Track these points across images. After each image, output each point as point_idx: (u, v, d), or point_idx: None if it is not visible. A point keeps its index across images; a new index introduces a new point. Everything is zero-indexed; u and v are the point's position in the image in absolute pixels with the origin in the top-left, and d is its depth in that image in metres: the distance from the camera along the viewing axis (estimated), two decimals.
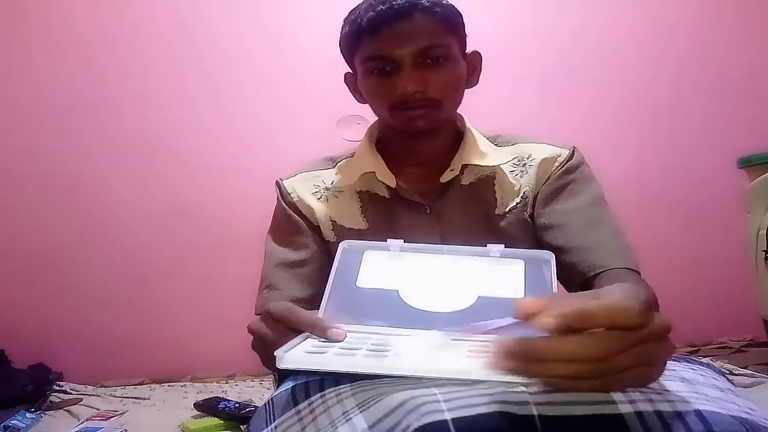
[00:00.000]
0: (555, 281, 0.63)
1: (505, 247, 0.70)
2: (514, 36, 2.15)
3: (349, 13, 0.87)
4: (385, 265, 0.69)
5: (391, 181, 0.91)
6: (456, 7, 0.87)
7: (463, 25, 0.88)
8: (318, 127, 2.10)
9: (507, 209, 0.91)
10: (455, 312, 0.62)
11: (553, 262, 0.65)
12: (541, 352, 0.40)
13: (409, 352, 0.55)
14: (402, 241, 0.71)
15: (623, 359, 0.40)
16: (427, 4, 0.81)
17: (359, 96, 0.94)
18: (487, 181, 0.92)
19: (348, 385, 0.52)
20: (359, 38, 0.84)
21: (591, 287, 0.78)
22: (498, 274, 0.65)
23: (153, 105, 2.11)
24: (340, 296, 0.66)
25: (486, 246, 0.69)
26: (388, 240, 0.72)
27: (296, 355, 0.53)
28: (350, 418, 0.47)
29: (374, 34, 0.81)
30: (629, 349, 0.40)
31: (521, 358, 0.41)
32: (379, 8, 0.80)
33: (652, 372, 0.44)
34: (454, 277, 0.66)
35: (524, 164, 0.93)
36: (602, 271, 0.80)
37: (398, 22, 0.80)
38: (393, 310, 0.63)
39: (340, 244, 0.72)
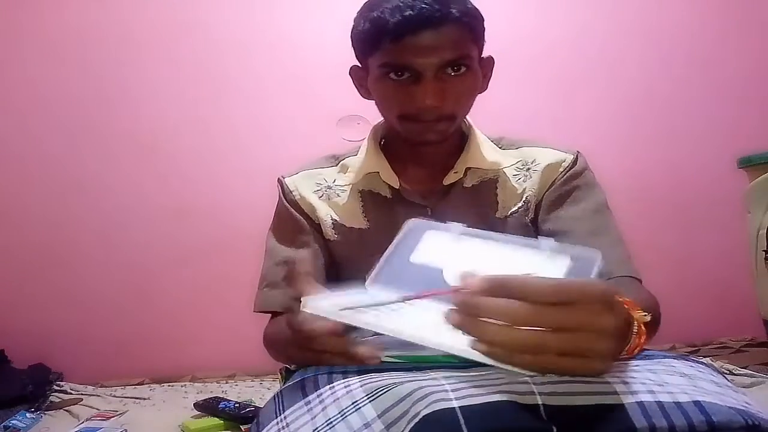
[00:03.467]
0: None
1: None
2: (518, 38, 2.15)
3: (369, 7, 0.82)
4: (441, 245, 0.72)
5: (395, 182, 0.91)
6: (479, 12, 0.84)
7: (485, 30, 0.86)
8: (317, 128, 2.10)
9: (508, 213, 0.90)
10: None
11: (600, 261, 0.63)
12: (472, 306, 0.45)
13: (405, 317, 0.58)
14: (463, 225, 0.73)
15: (559, 340, 0.43)
16: (457, 15, 0.78)
17: (364, 91, 0.92)
18: (490, 184, 0.91)
19: (357, 377, 0.53)
20: (379, 40, 0.80)
21: None
22: (540, 268, 0.65)
23: (150, 105, 2.11)
24: (392, 266, 0.70)
25: (537, 239, 0.70)
26: (449, 222, 0.74)
27: (317, 302, 0.58)
28: (359, 408, 0.48)
29: (398, 40, 0.78)
30: (567, 330, 0.43)
31: (461, 310, 0.45)
32: (407, 13, 0.76)
33: (592, 365, 0.45)
34: (497, 265, 0.67)
35: (528, 168, 0.92)
36: (606, 279, 0.79)
37: (425, 32, 0.77)
38: (431, 286, 0.65)
39: (406, 221, 0.74)
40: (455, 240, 0.72)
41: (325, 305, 0.58)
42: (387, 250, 0.71)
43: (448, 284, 0.66)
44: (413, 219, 0.74)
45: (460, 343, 0.50)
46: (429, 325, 0.56)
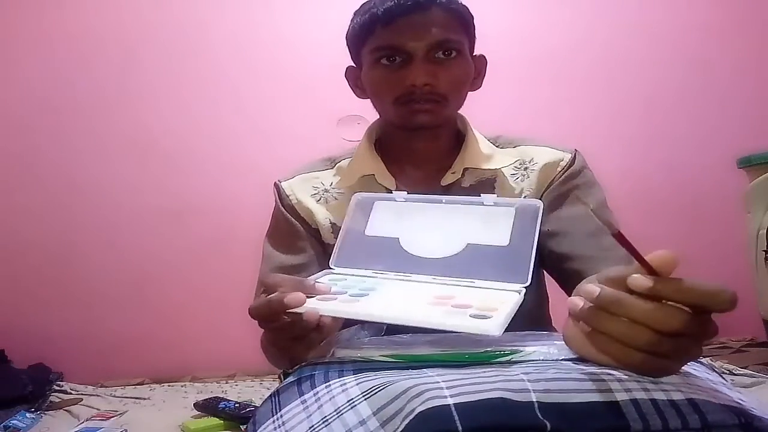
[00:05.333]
0: (539, 230, 0.66)
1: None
2: (520, 37, 2.16)
3: (362, 5, 0.86)
4: (390, 215, 0.75)
5: (391, 183, 0.90)
6: (468, 9, 0.87)
7: (474, 26, 0.88)
8: (315, 128, 2.10)
9: None
10: (445, 258, 0.68)
11: (541, 210, 0.68)
12: (617, 306, 0.44)
13: (383, 299, 0.61)
14: (406, 192, 0.77)
15: (672, 343, 0.43)
16: (444, 0, 0.82)
17: (359, 91, 0.93)
18: (488, 183, 0.91)
19: (353, 376, 0.53)
20: (372, 27, 0.83)
21: None
22: (488, 223, 0.69)
23: (148, 107, 2.11)
24: (350, 242, 0.73)
25: (480, 196, 0.74)
26: (393, 192, 0.76)
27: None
28: (355, 405, 0.48)
29: (389, 23, 0.81)
30: (687, 336, 0.43)
31: (596, 304, 0.45)
32: None
33: (678, 366, 0.47)
34: (448, 225, 0.71)
35: (526, 168, 0.92)
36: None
37: (415, 14, 0.80)
38: (392, 256, 0.70)
39: (353, 195, 0.77)
40: (402, 207, 0.75)
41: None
42: (341, 229, 0.74)
43: (406, 251, 0.70)
44: (358, 193, 0.77)
45: (424, 317, 0.53)
46: (396, 305, 0.59)
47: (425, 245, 0.69)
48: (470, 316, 0.53)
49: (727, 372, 1.67)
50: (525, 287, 0.61)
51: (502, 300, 0.57)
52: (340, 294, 0.62)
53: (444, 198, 0.74)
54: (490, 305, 0.55)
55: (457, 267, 0.65)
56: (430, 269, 0.67)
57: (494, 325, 0.50)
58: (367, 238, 0.73)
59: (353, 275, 0.69)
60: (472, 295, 0.60)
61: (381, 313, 0.56)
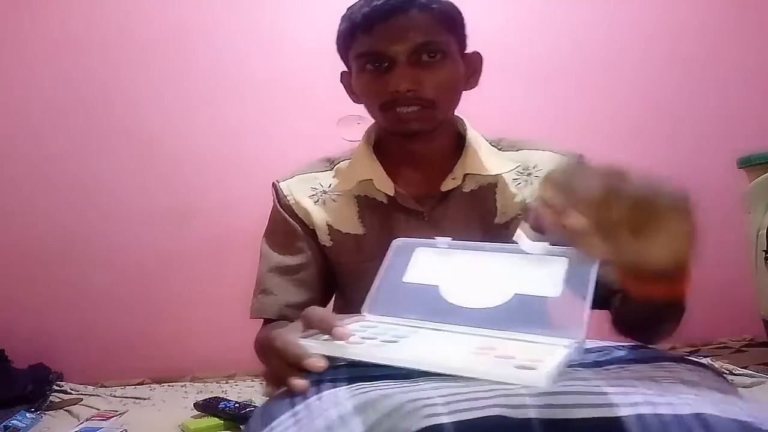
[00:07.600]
0: (594, 280, 0.61)
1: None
2: (518, 38, 2.15)
3: (347, 10, 0.86)
4: (431, 262, 0.70)
5: (390, 189, 0.89)
6: (455, 5, 0.85)
7: (463, 24, 0.86)
8: (315, 129, 2.10)
9: (508, 219, 0.89)
10: (489, 308, 0.63)
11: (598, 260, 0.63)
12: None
13: (418, 345, 0.57)
14: (450, 239, 0.72)
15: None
16: (424, 1, 0.80)
17: (354, 96, 0.92)
18: (489, 189, 0.90)
19: (346, 387, 0.52)
20: (353, 34, 0.82)
21: None
22: (538, 272, 0.64)
23: (149, 106, 2.11)
24: (386, 289, 0.69)
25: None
26: (436, 238, 0.72)
27: (312, 340, 0.57)
28: (346, 422, 0.46)
29: (368, 29, 0.80)
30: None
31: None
32: (374, 3, 0.79)
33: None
34: (494, 275, 0.66)
35: (528, 173, 0.90)
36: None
37: (393, 18, 0.79)
38: (431, 305, 0.65)
39: (393, 242, 0.73)
40: (444, 254, 0.71)
41: (317, 342, 0.58)
42: (378, 275, 0.70)
43: (446, 300, 0.65)
44: (399, 239, 0.73)
45: (465, 364, 0.50)
46: (433, 352, 0.56)
47: (467, 294, 0.65)
48: (515, 367, 0.50)
49: (727, 372, 1.66)
50: (578, 342, 0.56)
51: (549, 352, 0.53)
52: (370, 339, 0.58)
53: (489, 245, 0.70)
54: (536, 357, 0.52)
55: (501, 318, 0.61)
56: (472, 320, 0.62)
57: (541, 377, 0.46)
58: (404, 286, 0.69)
59: (387, 323, 0.65)
60: (517, 347, 0.56)
61: (415, 359, 0.52)
